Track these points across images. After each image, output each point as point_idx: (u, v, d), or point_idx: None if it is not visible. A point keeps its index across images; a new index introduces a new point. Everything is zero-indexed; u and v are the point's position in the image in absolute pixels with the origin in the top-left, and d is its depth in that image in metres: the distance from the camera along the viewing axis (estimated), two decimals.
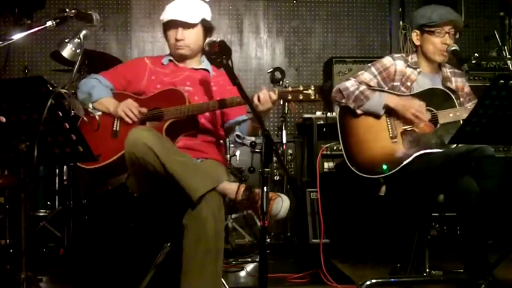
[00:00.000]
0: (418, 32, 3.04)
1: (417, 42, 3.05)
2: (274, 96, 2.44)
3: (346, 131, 3.04)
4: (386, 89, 3.03)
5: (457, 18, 3.01)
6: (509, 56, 4.03)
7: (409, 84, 3.02)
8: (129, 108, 2.64)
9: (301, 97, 2.40)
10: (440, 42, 2.97)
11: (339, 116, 3.07)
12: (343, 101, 3.00)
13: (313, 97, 2.39)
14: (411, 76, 3.03)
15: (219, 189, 2.40)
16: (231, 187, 2.45)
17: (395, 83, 3.03)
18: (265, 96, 2.43)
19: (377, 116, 2.98)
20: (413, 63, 3.05)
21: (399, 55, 3.12)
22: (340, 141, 3.03)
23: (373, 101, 2.96)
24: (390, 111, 2.97)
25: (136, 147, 2.33)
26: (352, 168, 2.94)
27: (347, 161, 2.98)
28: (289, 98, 2.42)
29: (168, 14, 2.75)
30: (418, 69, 3.04)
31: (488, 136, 2.30)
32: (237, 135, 2.76)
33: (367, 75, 3.04)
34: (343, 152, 3.01)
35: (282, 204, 2.40)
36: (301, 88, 2.41)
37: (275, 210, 2.40)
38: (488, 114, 2.17)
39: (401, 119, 2.94)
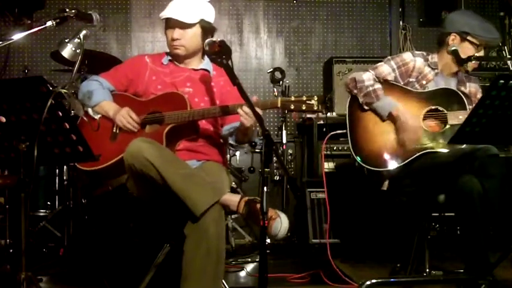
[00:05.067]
0: (457, 36, 2.99)
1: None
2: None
3: (355, 120, 3.01)
4: (402, 84, 3.02)
5: (499, 39, 3.02)
6: (509, 56, 4.02)
7: (424, 82, 3.01)
8: (127, 121, 2.61)
9: (304, 107, 2.35)
10: (473, 54, 2.96)
11: (349, 104, 3.04)
12: (355, 91, 2.99)
13: (316, 108, 2.34)
14: (428, 75, 3.02)
15: (221, 201, 2.39)
16: (233, 199, 2.44)
17: (411, 79, 3.02)
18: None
19: None
20: (433, 63, 3.04)
21: (419, 52, 3.10)
22: (348, 129, 3.00)
23: (382, 103, 2.95)
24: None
25: (136, 160, 2.33)
26: (356, 158, 2.91)
27: (352, 151, 2.95)
28: (292, 107, 2.37)
29: (166, 11, 2.72)
30: (436, 70, 3.03)
31: (488, 136, 2.30)
32: (231, 144, 2.76)
33: (386, 68, 3.03)
34: (349, 141, 2.98)
35: (281, 225, 2.39)
36: (304, 98, 2.35)
37: (274, 230, 2.38)
38: (488, 115, 2.18)
39: (411, 116, 2.92)
